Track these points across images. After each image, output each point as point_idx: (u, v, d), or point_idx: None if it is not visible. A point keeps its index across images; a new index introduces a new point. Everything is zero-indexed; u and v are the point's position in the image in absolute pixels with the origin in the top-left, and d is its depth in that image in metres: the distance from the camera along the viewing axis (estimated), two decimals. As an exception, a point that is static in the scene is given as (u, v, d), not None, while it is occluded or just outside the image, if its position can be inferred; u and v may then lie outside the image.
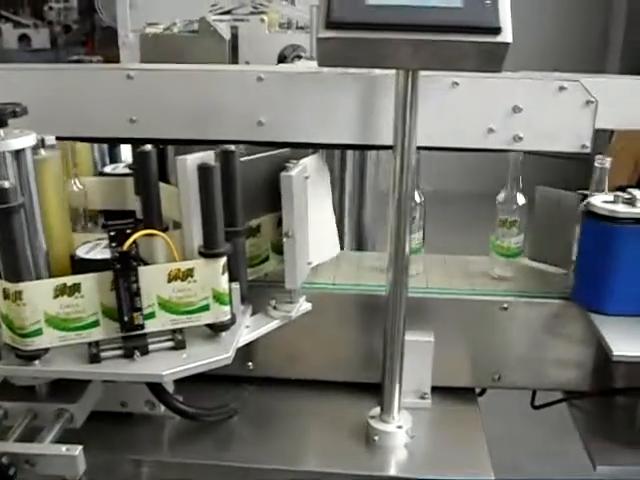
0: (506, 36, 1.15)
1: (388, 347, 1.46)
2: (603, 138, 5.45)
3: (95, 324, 1.27)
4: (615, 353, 1.36)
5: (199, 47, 3.11)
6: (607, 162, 1.58)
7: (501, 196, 1.69)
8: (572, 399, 1.68)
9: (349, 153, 2.32)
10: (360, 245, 2.50)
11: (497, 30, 1.14)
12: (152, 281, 1.27)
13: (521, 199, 1.67)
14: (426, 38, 1.15)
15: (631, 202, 1.45)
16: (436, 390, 1.64)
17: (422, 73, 1.33)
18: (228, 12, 3.42)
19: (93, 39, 7.34)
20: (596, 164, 1.59)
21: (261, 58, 2.98)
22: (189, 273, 1.29)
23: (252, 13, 3.33)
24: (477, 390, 1.74)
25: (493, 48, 1.16)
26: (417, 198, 1.68)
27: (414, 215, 1.66)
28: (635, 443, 1.54)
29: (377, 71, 1.49)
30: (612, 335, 1.41)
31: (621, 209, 1.44)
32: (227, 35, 3.09)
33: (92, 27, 7.34)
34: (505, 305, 1.60)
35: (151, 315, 1.29)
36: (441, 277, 1.72)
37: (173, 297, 1.29)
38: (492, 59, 1.19)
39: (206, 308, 1.32)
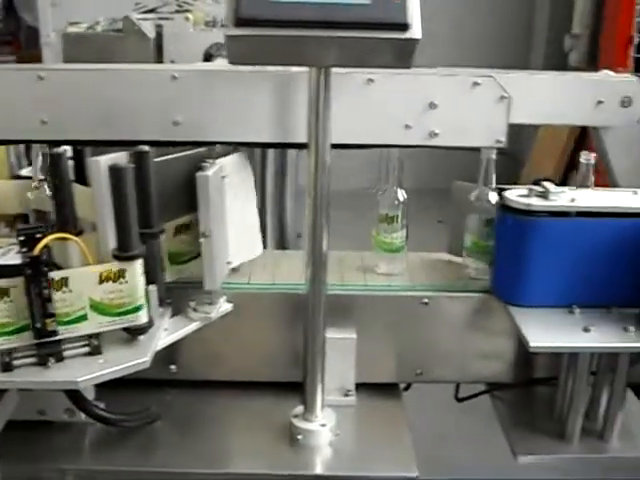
0: (414, 32, 1.15)
1: (309, 345, 1.46)
2: (531, 132, 5.57)
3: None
4: (532, 345, 1.38)
5: (123, 46, 3.07)
6: (592, 158, 1.61)
7: (473, 195, 1.69)
8: (494, 390, 1.70)
9: (270, 151, 2.31)
10: (283, 243, 2.49)
11: (405, 26, 1.15)
12: (83, 283, 1.25)
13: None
14: (334, 35, 1.15)
15: (545, 195, 1.47)
16: (361, 387, 1.64)
17: (337, 70, 1.33)
18: (152, 10, 3.39)
19: (18, 38, 7.18)
20: (582, 160, 1.61)
21: (186, 57, 2.96)
22: (121, 274, 1.28)
23: (177, 11, 3.31)
24: (403, 385, 1.76)
25: (402, 44, 1.16)
26: (400, 197, 1.68)
27: (397, 213, 1.67)
28: (554, 432, 1.57)
29: (293, 68, 1.48)
30: (529, 327, 1.43)
31: (535, 202, 1.46)
32: (152, 34, 3.05)
33: (17, 26, 7.18)
34: (425, 300, 1.61)
35: (83, 317, 1.27)
36: (359, 274, 1.72)
37: (105, 299, 1.28)
38: (401, 55, 1.19)
39: (139, 309, 1.31)
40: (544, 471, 1.66)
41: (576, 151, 3.43)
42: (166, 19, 3.19)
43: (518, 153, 6.43)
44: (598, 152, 1.96)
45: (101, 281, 1.27)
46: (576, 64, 4.53)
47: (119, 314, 1.30)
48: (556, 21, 5.81)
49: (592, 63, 3.97)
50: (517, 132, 5.38)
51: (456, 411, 1.91)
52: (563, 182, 3.97)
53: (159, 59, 3.04)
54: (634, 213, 1.48)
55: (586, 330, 1.42)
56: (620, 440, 1.57)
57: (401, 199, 1.68)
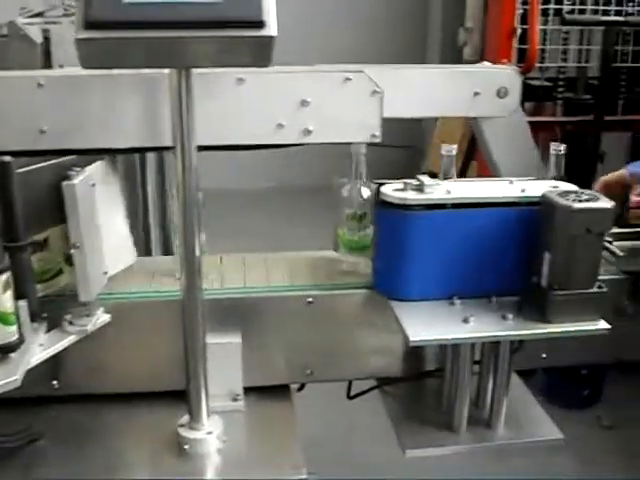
0: (270, 30, 1.13)
1: (189, 352, 1.42)
2: (432, 124, 5.63)
3: None
4: (412, 339, 1.38)
5: (9, 51, 2.97)
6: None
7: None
8: (383, 385, 1.70)
9: (149, 156, 2.27)
10: (167, 249, 2.44)
11: (261, 24, 1.13)
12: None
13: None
14: (188, 35, 1.12)
15: (420, 188, 1.47)
16: (250, 390, 1.62)
17: (205, 70, 1.31)
18: (39, 14, 3.29)
19: None
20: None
21: (75, 61, 2.87)
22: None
23: (65, 15, 3.22)
24: (296, 386, 1.74)
25: (258, 42, 1.14)
26: (364, 194, 1.64)
27: (364, 211, 1.64)
28: (442, 424, 1.57)
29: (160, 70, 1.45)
30: (410, 321, 1.43)
31: (410, 196, 1.46)
32: (39, 39, 2.95)
33: None
34: (310, 299, 1.59)
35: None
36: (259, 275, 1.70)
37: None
38: (259, 53, 1.17)
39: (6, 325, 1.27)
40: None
41: (474, 141, 3.47)
42: (53, 23, 3.10)
43: (420, 146, 6.52)
44: (479, 143, 1.99)
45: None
46: (469, 57, 4.58)
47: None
48: (450, 15, 5.88)
49: (485, 56, 4.03)
50: (419, 125, 5.46)
51: (354, 408, 1.90)
52: (462, 173, 4.04)
53: (47, 64, 2.94)
54: (508, 202, 1.49)
55: (465, 321, 1.42)
56: (507, 427, 1.58)
57: (365, 196, 1.65)
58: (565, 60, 3.03)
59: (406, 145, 6.63)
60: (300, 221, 5.26)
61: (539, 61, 2.98)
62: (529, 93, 3.12)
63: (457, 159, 1.66)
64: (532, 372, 2.77)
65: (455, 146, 1.61)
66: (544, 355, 1.76)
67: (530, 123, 2.98)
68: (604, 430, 3.27)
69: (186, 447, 1.46)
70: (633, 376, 3.18)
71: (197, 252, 1.34)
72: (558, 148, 1.68)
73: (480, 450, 1.56)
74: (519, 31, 2.92)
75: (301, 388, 1.76)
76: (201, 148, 1.45)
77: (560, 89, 3.06)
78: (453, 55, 5.37)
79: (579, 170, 1.82)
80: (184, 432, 1.47)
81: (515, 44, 2.93)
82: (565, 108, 3.08)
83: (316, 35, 6.32)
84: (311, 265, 1.73)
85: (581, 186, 1.53)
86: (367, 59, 1.72)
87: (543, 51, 3.00)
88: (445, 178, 1.58)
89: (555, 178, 1.65)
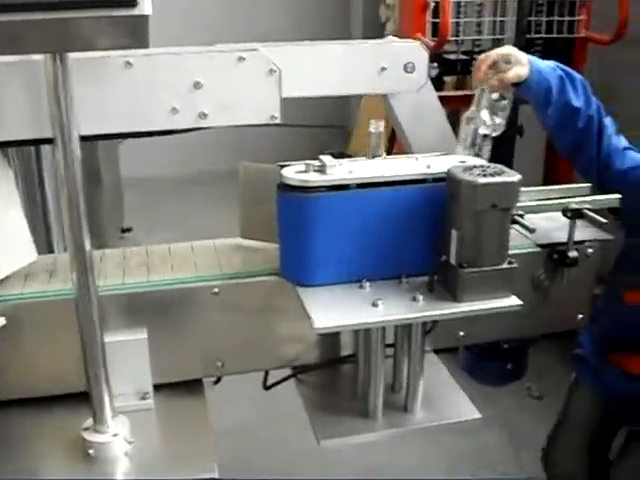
0: (143, 8, 1.06)
1: (87, 352, 1.35)
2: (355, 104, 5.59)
3: None
4: (316, 325, 1.32)
5: None
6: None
7: None
8: (298, 374, 1.65)
9: (45, 148, 2.17)
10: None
11: (132, 2, 1.06)
12: None
13: None
14: (58, 17, 1.05)
15: (322, 170, 1.42)
16: (161, 387, 1.56)
17: (89, 55, 1.23)
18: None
19: None
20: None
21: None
22: None
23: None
24: (213, 379, 1.69)
25: (131, 22, 1.07)
26: None
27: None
28: (357, 411, 1.53)
29: (37, 57, 1.36)
30: (315, 307, 1.38)
31: (312, 177, 1.40)
32: None
33: None
34: (215, 290, 1.53)
35: None
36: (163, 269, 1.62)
37: None
38: (134, 34, 1.09)
39: None
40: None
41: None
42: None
43: (348, 125, 6.47)
44: (391, 120, 1.94)
45: None
46: (391, 34, 4.54)
47: None
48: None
49: (400, 32, 3.99)
50: (344, 105, 5.41)
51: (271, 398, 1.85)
52: (389, 151, 4.00)
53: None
54: (413, 180, 1.45)
55: (374, 304, 1.38)
56: (424, 410, 1.55)
57: None
58: (480, 32, 3.00)
59: (334, 125, 6.59)
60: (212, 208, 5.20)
61: (454, 34, 2.94)
62: (448, 67, 3.10)
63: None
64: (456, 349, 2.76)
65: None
66: (462, 333, 1.74)
67: (451, 97, 2.99)
68: (534, 400, 3.29)
69: (91, 452, 1.39)
70: (556, 342, 3.21)
71: (87, 247, 1.27)
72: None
73: (395, 435, 1.52)
74: (432, 5, 2.87)
75: (217, 382, 1.71)
76: (91, 138, 1.38)
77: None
78: (376, 32, 5.32)
79: (498, 144, 1.78)
80: (88, 436, 1.40)
81: (429, 17, 2.89)
82: (482, 81, 3.05)
83: (237, 17, 6.22)
84: (218, 254, 1.66)
85: (502, 160, 1.50)
86: (289, 39, 1.66)
87: (458, 24, 2.96)
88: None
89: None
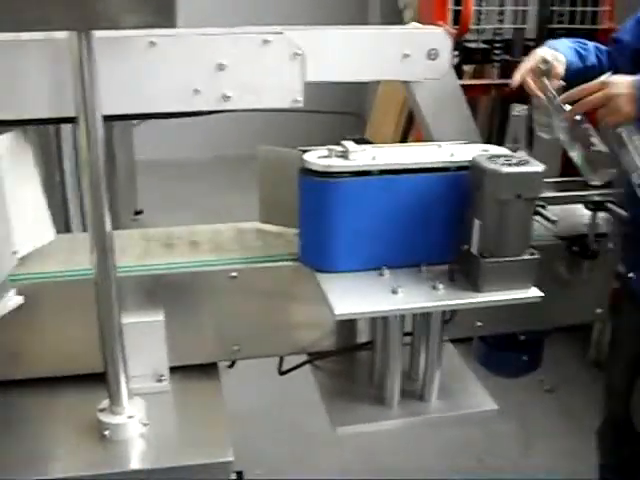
0: (171, -13, 1.05)
1: (105, 333, 1.35)
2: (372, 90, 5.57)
3: None
4: (336, 312, 1.32)
5: None
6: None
7: None
8: (315, 360, 1.64)
9: (65, 128, 2.16)
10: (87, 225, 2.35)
11: (160, -19, 1.04)
12: None
13: None
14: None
15: (345, 155, 1.41)
16: (177, 370, 1.55)
17: (113, 34, 1.22)
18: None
19: None
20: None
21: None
22: None
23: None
24: (227, 363, 1.68)
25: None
26: None
27: None
28: (373, 399, 1.53)
29: (60, 35, 1.34)
30: (336, 294, 1.37)
31: (335, 163, 1.39)
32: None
33: None
34: (234, 274, 1.52)
35: None
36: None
37: None
38: (162, 12, 1.08)
39: None
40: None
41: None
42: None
43: (363, 113, 6.43)
44: (412, 107, 1.93)
45: None
46: (410, 21, 4.51)
47: None
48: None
49: (420, 19, 3.96)
50: (361, 91, 5.38)
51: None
52: (404, 139, 3.98)
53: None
54: (436, 168, 1.43)
55: (394, 292, 1.37)
56: (440, 399, 1.54)
57: None
58: (501, 22, 2.98)
59: (349, 112, 6.57)
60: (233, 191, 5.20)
61: (475, 23, 2.92)
62: (468, 56, 3.07)
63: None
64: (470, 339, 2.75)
65: (526, 106, 1.53)
66: (479, 323, 1.73)
67: (470, 86, 2.96)
68: (545, 393, 3.28)
69: (106, 433, 1.39)
70: (569, 335, 3.20)
71: (108, 228, 1.26)
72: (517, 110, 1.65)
73: (411, 425, 1.51)
74: (454, -8, 2.86)
75: (232, 365, 1.70)
76: (112, 118, 1.37)
77: (497, 51, 3.01)
78: (395, 19, 5.28)
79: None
80: (104, 417, 1.40)
81: (450, 5, 2.87)
82: (502, 70, 3.03)
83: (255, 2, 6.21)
84: (238, 238, 1.65)
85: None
86: (306, 24, 1.64)
87: (479, 12, 2.94)
88: (515, 140, 1.51)
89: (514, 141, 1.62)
